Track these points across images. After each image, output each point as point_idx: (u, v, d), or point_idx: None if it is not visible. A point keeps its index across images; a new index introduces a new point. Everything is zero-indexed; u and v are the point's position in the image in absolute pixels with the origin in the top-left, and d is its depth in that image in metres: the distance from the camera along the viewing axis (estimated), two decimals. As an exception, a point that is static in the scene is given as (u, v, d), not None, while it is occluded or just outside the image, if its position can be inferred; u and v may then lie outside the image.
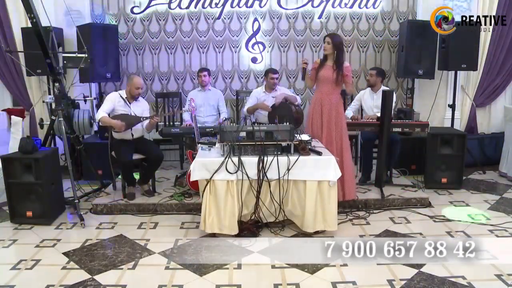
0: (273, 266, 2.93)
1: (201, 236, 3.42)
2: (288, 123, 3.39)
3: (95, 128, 5.02)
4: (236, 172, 3.24)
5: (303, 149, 3.35)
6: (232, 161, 3.25)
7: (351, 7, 5.43)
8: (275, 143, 3.31)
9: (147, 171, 4.27)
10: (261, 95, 4.82)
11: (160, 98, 5.49)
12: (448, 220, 3.72)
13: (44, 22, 3.85)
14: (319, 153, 3.38)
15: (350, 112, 4.71)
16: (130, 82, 4.14)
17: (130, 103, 4.16)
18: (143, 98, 4.50)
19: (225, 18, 5.44)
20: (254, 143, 3.31)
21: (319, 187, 3.30)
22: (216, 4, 5.39)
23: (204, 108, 5.00)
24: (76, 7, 5.19)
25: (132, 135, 4.16)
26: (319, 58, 3.96)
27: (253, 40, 5.50)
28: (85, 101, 4.74)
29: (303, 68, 3.91)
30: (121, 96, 4.15)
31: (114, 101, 4.11)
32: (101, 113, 4.02)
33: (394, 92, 4.50)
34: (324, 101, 3.82)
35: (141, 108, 4.25)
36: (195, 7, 5.40)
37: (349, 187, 3.87)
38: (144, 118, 4.14)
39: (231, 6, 5.40)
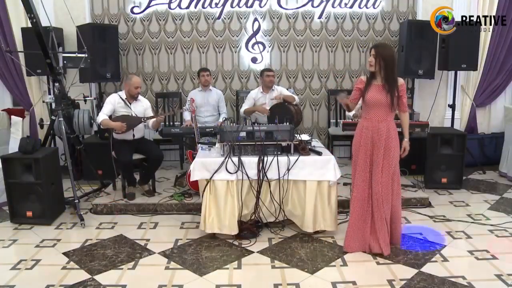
0: (273, 266, 2.93)
1: (201, 236, 3.42)
2: (288, 123, 3.39)
3: (95, 128, 5.02)
4: (236, 172, 3.24)
5: (303, 149, 3.35)
6: (232, 161, 3.25)
7: (351, 7, 5.43)
8: (275, 143, 3.32)
9: (147, 171, 4.27)
10: (259, 96, 4.81)
11: (160, 98, 5.50)
12: (448, 220, 3.72)
13: (44, 22, 3.85)
14: (319, 153, 3.38)
15: (352, 111, 4.67)
16: (128, 81, 4.13)
17: (130, 104, 4.16)
18: (144, 97, 4.51)
19: (225, 18, 5.44)
20: (254, 143, 3.31)
21: (319, 187, 3.30)
22: (216, 4, 5.39)
23: (205, 108, 5.00)
24: (76, 7, 5.20)
25: (134, 135, 4.16)
26: (365, 75, 3.12)
27: (253, 40, 5.50)
28: (85, 101, 4.73)
29: (346, 104, 3.19)
30: (120, 97, 4.15)
31: (114, 103, 4.11)
32: (102, 116, 4.02)
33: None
34: (375, 130, 3.00)
35: (142, 107, 4.25)
36: (195, 7, 5.40)
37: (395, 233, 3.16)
38: (145, 119, 4.14)
39: (231, 6, 5.40)
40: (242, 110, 4.84)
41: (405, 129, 3.15)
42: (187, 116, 4.89)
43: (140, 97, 4.27)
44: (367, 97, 3.01)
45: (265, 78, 4.73)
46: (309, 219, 3.29)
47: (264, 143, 3.30)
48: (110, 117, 4.07)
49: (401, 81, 3.02)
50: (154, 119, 4.16)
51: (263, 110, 4.63)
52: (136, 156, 4.16)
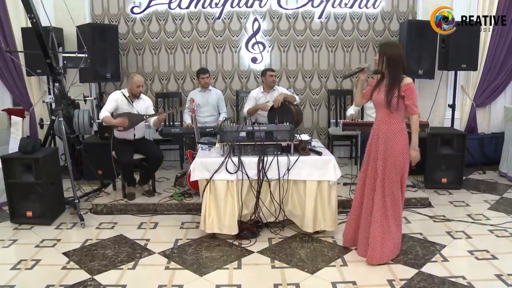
0: (273, 266, 2.93)
1: (201, 236, 3.42)
2: (288, 123, 3.39)
3: (95, 128, 5.02)
4: (236, 172, 3.24)
5: (303, 149, 3.35)
6: (232, 161, 3.25)
7: (351, 7, 5.43)
8: (275, 143, 3.32)
9: (147, 171, 4.27)
10: (260, 96, 4.81)
11: (160, 98, 5.50)
12: (448, 220, 3.72)
13: (44, 22, 3.85)
14: (319, 153, 3.38)
15: (351, 110, 4.68)
16: (130, 80, 4.14)
17: (132, 102, 4.17)
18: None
19: (225, 18, 5.44)
20: (254, 143, 3.31)
21: (319, 187, 3.30)
22: (216, 4, 5.39)
23: (205, 108, 5.00)
24: (76, 7, 5.19)
25: (134, 135, 4.16)
26: (378, 76, 2.98)
27: (253, 40, 5.50)
28: (85, 101, 4.74)
29: (357, 72, 3.04)
30: (123, 95, 4.15)
31: (117, 100, 4.11)
32: (104, 113, 4.02)
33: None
34: (376, 131, 2.94)
35: (144, 105, 4.25)
36: (195, 7, 5.40)
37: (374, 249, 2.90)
38: (147, 116, 4.14)
39: (231, 6, 5.40)
40: (245, 110, 4.85)
41: (412, 133, 2.91)
42: (187, 119, 4.89)
43: (142, 95, 4.27)
44: (372, 97, 2.97)
45: (268, 78, 4.72)
46: (309, 219, 3.29)
47: (264, 143, 3.30)
48: (112, 114, 4.07)
49: (406, 81, 2.81)
50: (156, 117, 4.16)
51: (264, 107, 4.63)
52: (136, 156, 4.16)
